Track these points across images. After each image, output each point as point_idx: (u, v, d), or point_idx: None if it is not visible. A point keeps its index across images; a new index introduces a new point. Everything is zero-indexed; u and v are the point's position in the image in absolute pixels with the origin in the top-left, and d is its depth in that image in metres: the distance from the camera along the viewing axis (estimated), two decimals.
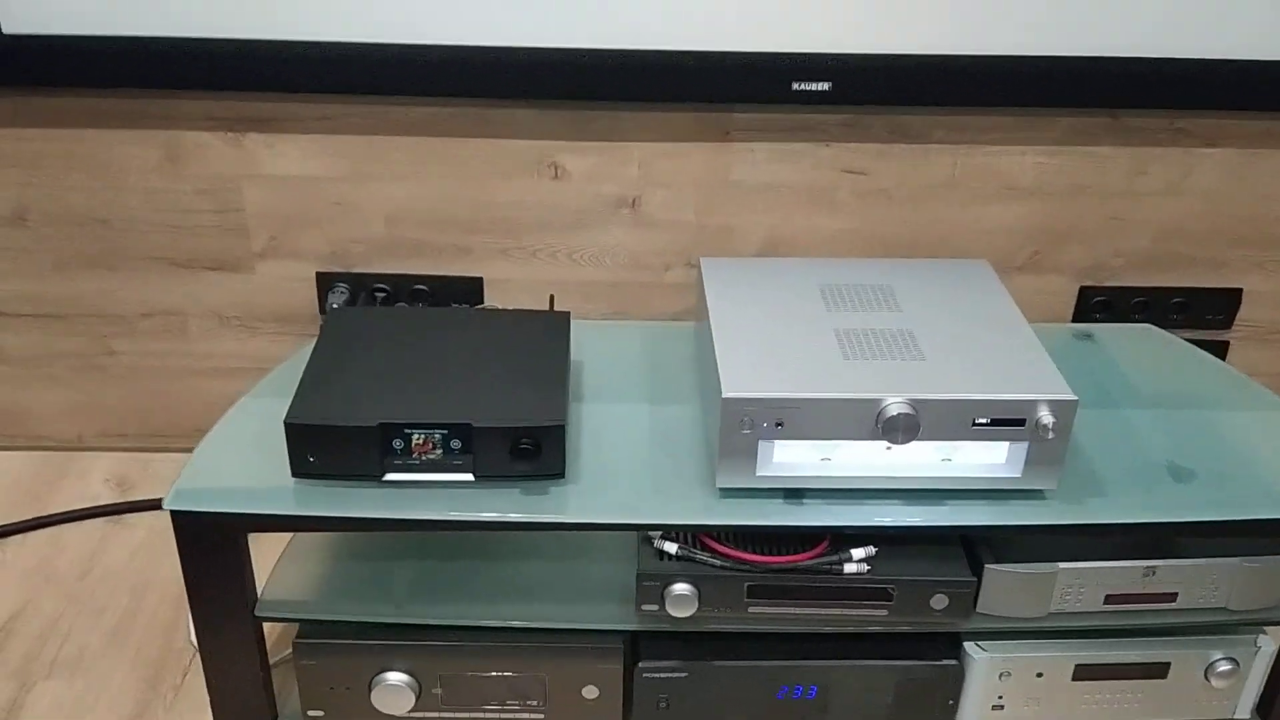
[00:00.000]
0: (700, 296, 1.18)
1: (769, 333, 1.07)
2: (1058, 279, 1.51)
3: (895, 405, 0.98)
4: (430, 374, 1.05)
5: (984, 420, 0.99)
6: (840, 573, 1.02)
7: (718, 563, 1.03)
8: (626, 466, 1.06)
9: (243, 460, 1.06)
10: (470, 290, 1.49)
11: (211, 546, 1.02)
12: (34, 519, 1.47)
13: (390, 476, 1.02)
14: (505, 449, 1.00)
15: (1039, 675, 1.09)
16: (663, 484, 1.04)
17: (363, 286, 1.48)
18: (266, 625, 1.09)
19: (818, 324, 1.09)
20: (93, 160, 1.40)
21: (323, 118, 1.38)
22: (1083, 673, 1.10)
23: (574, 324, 1.21)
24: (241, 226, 1.44)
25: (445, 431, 1.00)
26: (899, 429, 0.98)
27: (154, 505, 1.50)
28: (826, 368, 1.02)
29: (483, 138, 1.39)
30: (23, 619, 1.33)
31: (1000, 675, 1.09)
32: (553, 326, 1.15)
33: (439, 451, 1.01)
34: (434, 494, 1.02)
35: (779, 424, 0.99)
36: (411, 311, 1.21)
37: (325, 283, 1.48)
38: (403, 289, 1.48)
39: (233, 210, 1.43)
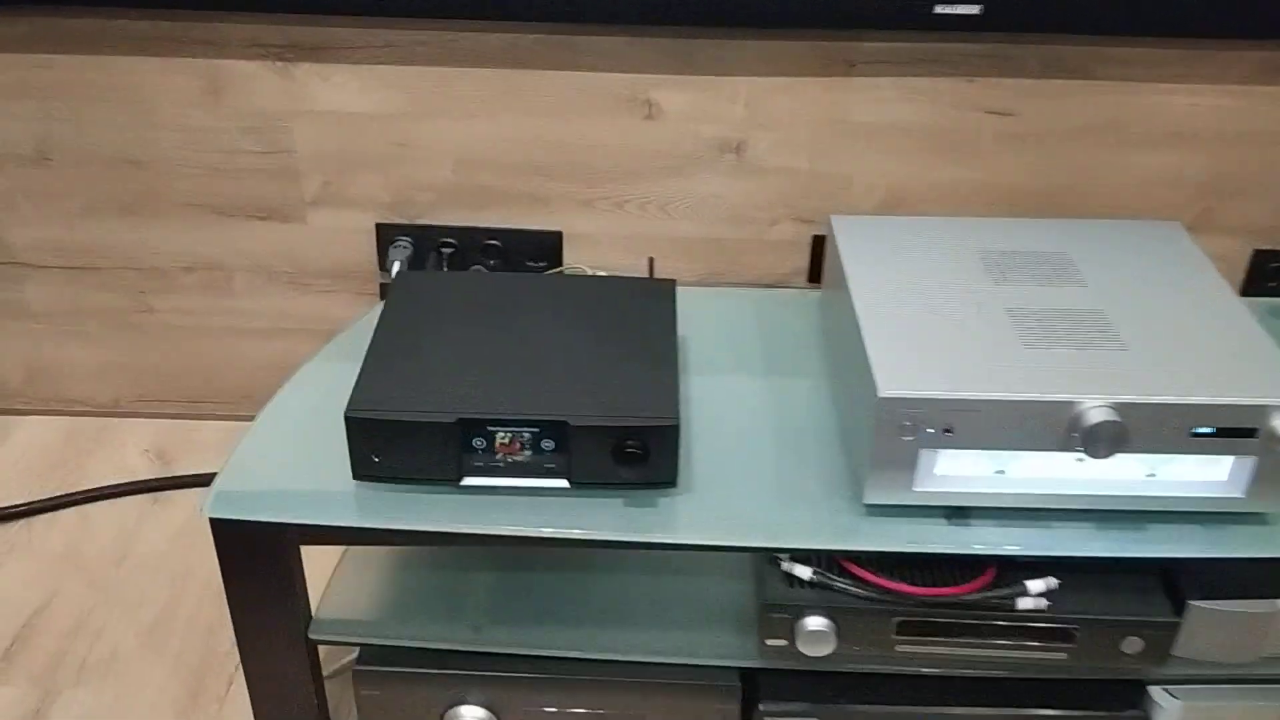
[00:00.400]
0: (834, 263, 0.99)
1: (926, 311, 0.89)
2: (1228, 241, 1.31)
3: (1098, 411, 0.79)
4: (516, 357, 0.89)
5: (1207, 430, 0.80)
6: (1013, 608, 0.84)
7: (861, 592, 0.85)
8: (748, 472, 0.90)
9: (295, 456, 0.91)
10: (548, 246, 1.34)
11: (258, 559, 0.88)
12: (63, 495, 1.35)
13: (469, 480, 0.87)
14: (607, 452, 0.85)
15: None
16: (793, 495, 0.88)
17: (427, 240, 1.34)
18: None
19: (984, 301, 0.90)
20: (123, 92, 1.28)
21: (385, 45, 1.24)
22: None
23: None
24: (292, 169, 1.31)
25: (536, 430, 0.84)
26: (1102, 440, 0.79)
27: (198, 481, 1.37)
28: (1006, 359, 0.83)
29: (566, 70, 1.25)
30: (49, 614, 1.19)
31: None
32: (655, 297, 1.00)
33: (528, 453, 0.85)
34: (520, 503, 0.87)
35: (948, 430, 0.80)
36: (490, 278, 1.04)
37: (386, 235, 1.34)
38: (472, 243, 1.34)
39: (282, 151, 1.31)
